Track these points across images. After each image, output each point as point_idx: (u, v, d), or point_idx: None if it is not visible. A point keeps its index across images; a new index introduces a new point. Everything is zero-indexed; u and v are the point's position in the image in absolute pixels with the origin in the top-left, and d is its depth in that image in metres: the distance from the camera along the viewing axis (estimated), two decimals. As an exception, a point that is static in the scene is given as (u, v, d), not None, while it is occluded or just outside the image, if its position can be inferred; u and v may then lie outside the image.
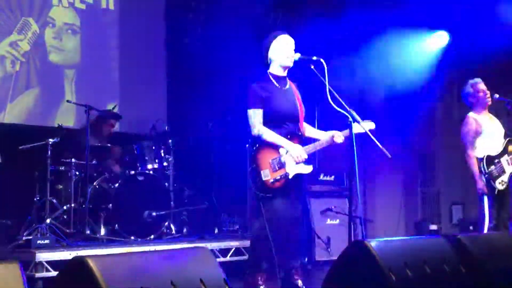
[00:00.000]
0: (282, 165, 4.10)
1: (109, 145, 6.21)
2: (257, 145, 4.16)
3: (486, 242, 3.59)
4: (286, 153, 4.10)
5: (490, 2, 6.74)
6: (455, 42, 7.90)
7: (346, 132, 4.28)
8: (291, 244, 4.17)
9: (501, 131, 5.47)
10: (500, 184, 5.24)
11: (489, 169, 5.24)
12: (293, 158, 4.09)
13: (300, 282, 4.18)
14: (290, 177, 4.10)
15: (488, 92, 5.47)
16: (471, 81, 5.51)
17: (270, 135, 4.13)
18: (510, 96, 5.72)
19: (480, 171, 5.28)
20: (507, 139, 5.39)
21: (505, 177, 5.26)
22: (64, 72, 7.02)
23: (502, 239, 3.75)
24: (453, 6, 6.98)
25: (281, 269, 4.14)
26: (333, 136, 4.27)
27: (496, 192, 5.25)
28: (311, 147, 4.26)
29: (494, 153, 5.31)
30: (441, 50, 8.04)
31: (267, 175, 4.06)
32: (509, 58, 8.03)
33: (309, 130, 4.50)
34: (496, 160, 5.28)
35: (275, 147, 4.12)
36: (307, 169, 4.19)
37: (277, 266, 4.09)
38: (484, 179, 5.26)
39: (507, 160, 5.29)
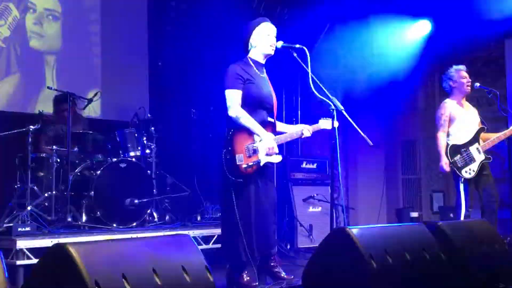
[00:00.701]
0: (255, 152, 4.07)
1: (90, 132, 6.17)
2: (233, 129, 4.08)
3: (465, 229, 3.63)
4: (260, 140, 4.09)
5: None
6: (437, 31, 7.95)
7: (315, 126, 4.36)
8: (266, 232, 4.14)
9: (477, 120, 5.51)
10: (467, 173, 5.29)
11: (453, 159, 5.30)
12: (265, 149, 4.09)
13: (278, 268, 4.18)
14: (261, 164, 4.08)
15: (470, 80, 5.51)
16: (455, 66, 5.55)
17: (247, 120, 4.07)
18: (491, 86, 5.78)
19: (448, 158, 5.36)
20: (480, 127, 5.44)
21: (474, 166, 5.30)
22: (45, 58, 6.95)
23: (481, 226, 3.80)
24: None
25: (258, 256, 4.12)
26: (302, 130, 4.32)
27: (462, 181, 5.31)
28: (281, 138, 4.28)
29: (462, 141, 5.36)
30: (423, 39, 8.09)
31: (241, 159, 4.01)
32: (491, 49, 8.11)
33: (278, 125, 4.47)
34: (463, 149, 5.33)
35: (251, 132, 4.09)
36: (277, 158, 4.18)
37: (253, 254, 4.07)
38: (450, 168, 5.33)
39: (477, 148, 5.33)
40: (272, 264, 4.20)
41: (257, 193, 4.10)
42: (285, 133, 4.39)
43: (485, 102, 7.08)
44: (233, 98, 4.11)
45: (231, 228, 4.12)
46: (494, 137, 5.39)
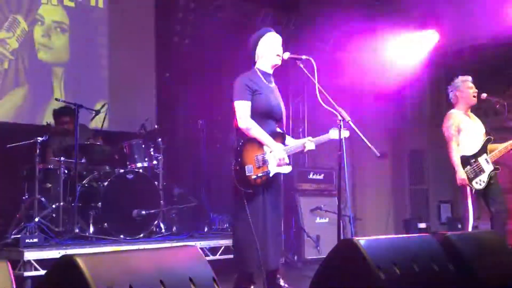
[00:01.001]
0: (265, 163, 4.06)
1: (98, 143, 6.19)
2: (243, 140, 4.08)
3: (474, 240, 3.61)
4: (270, 151, 4.08)
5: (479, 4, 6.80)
6: (444, 41, 7.96)
7: (319, 138, 4.29)
8: (273, 243, 4.11)
9: (482, 130, 5.47)
10: (477, 184, 5.24)
11: (464, 170, 5.25)
12: (275, 160, 4.08)
13: (282, 281, 4.15)
14: (270, 175, 4.08)
15: (476, 90, 5.49)
16: (461, 77, 5.52)
17: (257, 131, 4.07)
18: (498, 96, 5.76)
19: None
20: (487, 138, 5.40)
21: (483, 177, 5.26)
22: (52, 70, 6.99)
23: (490, 237, 3.78)
24: (444, 6, 7.03)
25: (264, 267, 4.08)
26: (304, 143, 4.27)
27: (474, 192, 5.26)
28: (287, 150, 4.23)
29: (470, 152, 5.31)
30: (430, 48, 8.10)
31: (250, 171, 4.01)
32: (498, 59, 8.10)
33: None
34: (472, 160, 5.28)
35: (260, 143, 4.08)
36: (288, 169, 4.18)
37: (262, 265, 4.05)
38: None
39: (485, 159, 5.29)
40: (277, 276, 4.19)
41: (264, 204, 4.09)
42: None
43: (492, 112, 7.06)
44: (243, 109, 4.10)
45: (241, 238, 4.12)
46: (501, 148, 5.36)
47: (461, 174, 5.24)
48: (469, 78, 5.53)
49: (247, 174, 4.00)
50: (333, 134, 4.23)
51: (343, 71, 7.34)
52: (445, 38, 7.92)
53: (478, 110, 5.69)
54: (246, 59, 4.41)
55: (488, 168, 5.28)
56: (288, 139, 4.41)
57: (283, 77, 4.57)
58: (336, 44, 7.57)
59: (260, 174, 4.02)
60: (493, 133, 5.52)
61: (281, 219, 4.28)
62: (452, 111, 5.50)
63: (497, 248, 3.71)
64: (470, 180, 5.25)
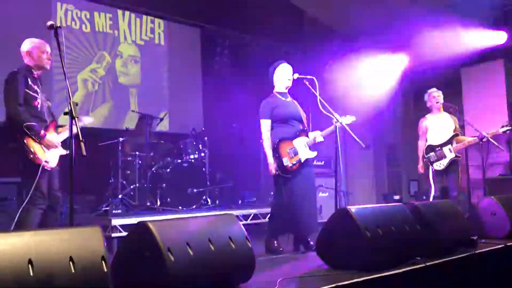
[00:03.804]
0: (296, 153, 4.04)
1: (162, 141, 6.24)
2: (278, 140, 4.05)
3: (434, 207, 3.57)
4: (294, 144, 4.04)
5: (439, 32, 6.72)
6: (412, 62, 7.89)
7: (325, 132, 4.17)
8: (306, 214, 3.99)
9: (452, 126, 5.27)
10: (437, 166, 5.15)
11: (428, 155, 5.16)
12: (304, 146, 4.04)
13: (311, 241, 3.95)
14: (302, 161, 4.04)
15: (438, 99, 5.39)
16: (429, 90, 5.46)
17: (266, 145, 4.07)
18: (450, 102, 5.64)
19: (423, 156, 5.25)
20: (454, 133, 5.27)
21: (444, 161, 5.14)
22: (129, 90, 7.06)
23: (445, 205, 3.73)
24: (411, 39, 6.95)
25: (300, 234, 4.00)
26: (315, 137, 4.17)
27: (433, 171, 5.16)
28: (308, 141, 4.15)
29: (437, 143, 5.20)
30: (402, 68, 8.02)
31: (286, 161, 4.00)
32: (450, 75, 7.98)
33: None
34: (437, 148, 5.17)
35: (290, 139, 4.05)
36: (313, 154, 4.14)
37: (296, 232, 3.97)
38: (424, 162, 5.21)
39: (449, 149, 5.17)
40: (308, 239, 4.03)
41: (300, 183, 4.00)
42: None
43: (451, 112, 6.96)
44: (263, 126, 4.11)
45: (275, 213, 4.10)
46: (466, 141, 5.14)
47: (420, 167, 5.24)
48: (434, 89, 5.44)
49: (284, 164, 3.99)
50: (349, 119, 4.10)
51: (337, 84, 7.28)
52: (412, 60, 7.83)
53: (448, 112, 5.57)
54: (265, 81, 4.40)
55: (450, 155, 5.15)
56: (311, 134, 4.25)
57: (294, 91, 4.52)
58: (331, 67, 7.52)
59: (294, 162, 4.01)
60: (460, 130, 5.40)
61: (311, 197, 4.12)
62: (427, 115, 5.41)
63: (452, 213, 3.66)
64: (433, 162, 5.15)
